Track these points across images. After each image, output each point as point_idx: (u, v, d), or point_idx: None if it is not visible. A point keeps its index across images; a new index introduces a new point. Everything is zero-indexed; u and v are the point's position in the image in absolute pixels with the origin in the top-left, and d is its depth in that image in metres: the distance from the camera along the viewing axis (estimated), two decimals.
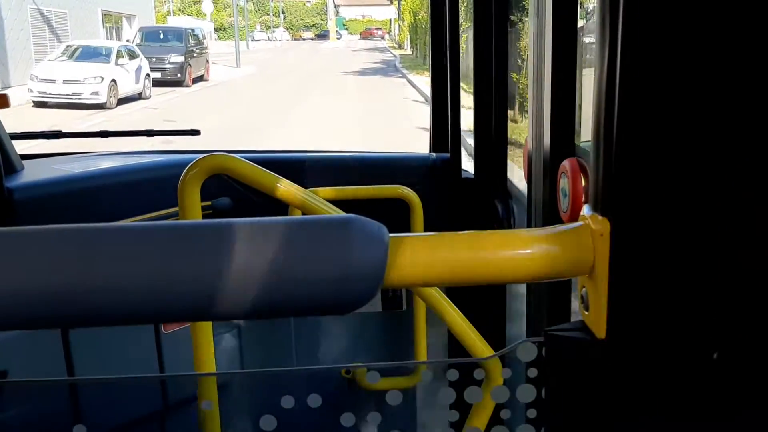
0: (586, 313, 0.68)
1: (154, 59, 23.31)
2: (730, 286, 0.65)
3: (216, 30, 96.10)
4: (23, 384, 1.74)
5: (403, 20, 48.97)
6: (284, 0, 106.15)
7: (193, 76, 25.24)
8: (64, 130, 2.68)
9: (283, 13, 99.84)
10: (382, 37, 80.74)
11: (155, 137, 2.78)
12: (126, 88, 18.69)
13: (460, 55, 2.34)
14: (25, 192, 1.99)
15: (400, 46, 52.91)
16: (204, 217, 1.71)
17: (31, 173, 2.13)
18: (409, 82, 23.98)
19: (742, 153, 0.63)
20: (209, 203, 2.19)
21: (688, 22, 0.61)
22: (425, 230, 2.16)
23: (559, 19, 1.39)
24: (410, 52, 43.52)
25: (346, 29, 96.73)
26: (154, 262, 0.59)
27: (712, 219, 0.64)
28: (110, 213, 2.08)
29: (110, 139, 2.74)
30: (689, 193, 0.63)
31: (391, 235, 0.63)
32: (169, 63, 23.54)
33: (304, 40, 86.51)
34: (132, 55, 19.73)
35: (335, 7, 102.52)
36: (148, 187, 2.20)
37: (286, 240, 0.60)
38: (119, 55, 18.81)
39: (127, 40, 25.99)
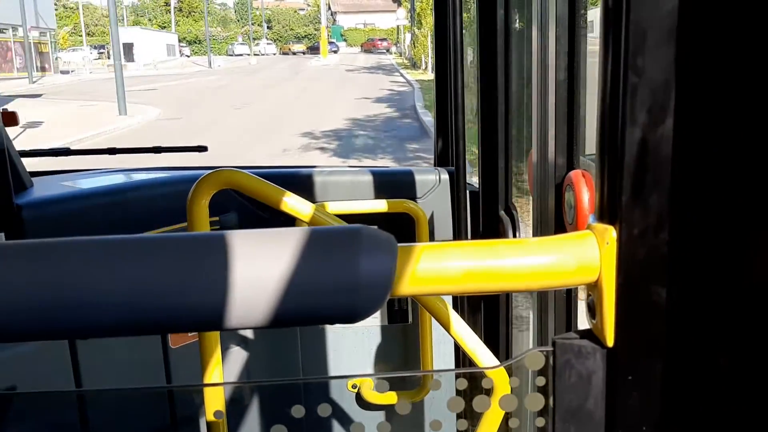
0: (594, 321, 0.69)
1: None
2: (737, 291, 0.65)
3: (190, 43, 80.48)
4: (31, 396, 1.79)
5: (420, 26, 33.02)
6: (272, 7, 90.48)
7: None
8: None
9: (268, 22, 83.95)
10: (388, 50, 64.89)
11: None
12: None
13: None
14: (34, 209, 2.00)
15: (415, 65, 36.69)
16: None
17: (41, 190, 2.13)
18: None
19: (747, 157, 0.63)
20: (217, 218, 2.21)
21: (690, 24, 0.61)
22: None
23: (563, 28, 1.41)
24: (432, 77, 27.37)
25: (345, 40, 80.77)
26: (163, 272, 0.60)
27: (718, 223, 0.64)
28: (119, 229, 2.09)
29: (117, 156, 2.70)
30: (694, 199, 0.64)
31: (399, 244, 0.64)
32: None
33: (294, 53, 70.69)
34: None
35: (331, 14, 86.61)
36: (156, 203, 2.22)
37: (295, 249, 0.61)
38: None
39: None
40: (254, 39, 75.32)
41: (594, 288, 0.67)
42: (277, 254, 0.60)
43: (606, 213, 0.66)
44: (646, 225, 0.64)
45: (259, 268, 0.60)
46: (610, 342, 0.66)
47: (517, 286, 0.69)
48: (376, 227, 0.64)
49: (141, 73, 43.89)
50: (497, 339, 1.95)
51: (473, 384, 0.74)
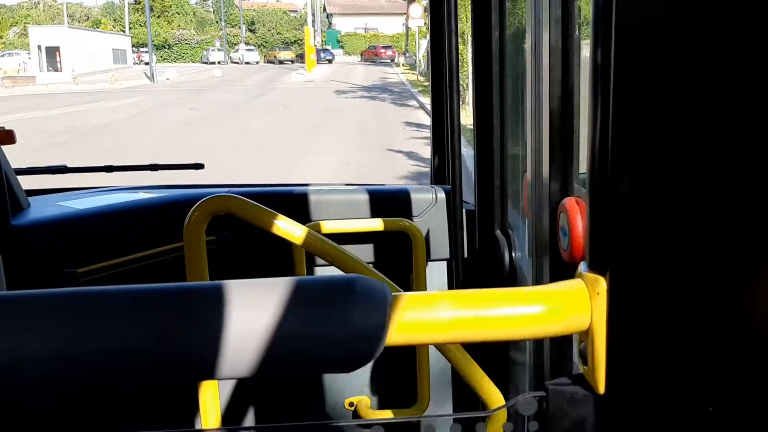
0: (585, 367, 0.70)
1: None
2: (725, 341, 0.66)
3: (157, 48, 67.64)
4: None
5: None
6: (258, 7, 77.58)
7: None
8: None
9: (251, 24, 71.04)
10: (392, 60, 52.03)
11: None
12: None
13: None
14: (32, 230, 1.99)
15: None
16: (208, 251, 1.70)
17: (38, 210, 2.13)
18: None
19: (737, 214, 0.64)
20: (213, 237, 2.16)
21: (677, 76, 0.63)
22: (427, 262, 2.25)
23: (556, 58, 1.42)
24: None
25: (342, 47, 67.96)
26: (159, 324, 0.61)
27: (707, 276, 0.65)
28: (116, 249, 2.09)
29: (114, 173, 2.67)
30: (684, 251, 0.65)
31: (393, 294, 0.66)
32: None
33: (281, 62, 57.60)
34: None
35: (327, 16, 73.77)
36: (153, 223, 2.23)
37: (290, 301, 0.62)
38: None
39: None
40: (234, 44, 62.52)
41: (586, 336, 0.68)
42: (274, 306, 0.61)
43: (597, 263, 0.67)
44: (635, 275, 0.65)
45: (255, 320, 0.60)
46: (601, 389, 0.67)
47: (511, 335, 0.69)
48: (369, 277, 0.65)
49: (47, 90, 31.03)
50: (493, 364, 1.90)
51: (468, 423, 0.74)
